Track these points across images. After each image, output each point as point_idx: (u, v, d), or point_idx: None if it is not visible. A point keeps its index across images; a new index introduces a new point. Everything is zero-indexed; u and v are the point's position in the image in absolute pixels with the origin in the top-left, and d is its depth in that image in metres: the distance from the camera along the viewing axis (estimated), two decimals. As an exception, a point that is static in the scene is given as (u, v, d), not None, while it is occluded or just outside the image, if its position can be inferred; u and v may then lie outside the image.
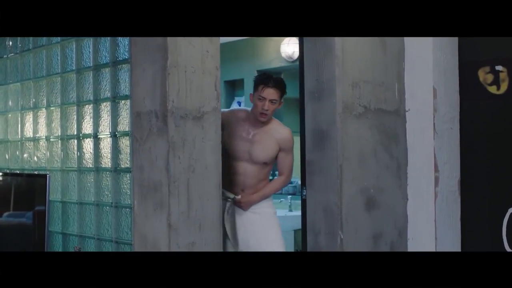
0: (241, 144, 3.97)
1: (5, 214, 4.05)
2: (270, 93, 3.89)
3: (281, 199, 6.58)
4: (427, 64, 4.19)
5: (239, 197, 4.02)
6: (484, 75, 4.22)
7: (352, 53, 3.97)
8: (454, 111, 4.28)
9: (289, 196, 6.46)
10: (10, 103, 4.59)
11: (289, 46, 6.84)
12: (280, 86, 3.94)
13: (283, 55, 6.94)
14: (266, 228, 4.04)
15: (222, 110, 3.78)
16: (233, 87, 7.81)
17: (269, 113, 3.92)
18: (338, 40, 3.89)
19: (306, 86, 4.00)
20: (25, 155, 4.42)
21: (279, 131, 4.03)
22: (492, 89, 4.19)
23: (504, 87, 4.14)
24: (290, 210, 6.37)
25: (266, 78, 3.93)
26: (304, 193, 3.96)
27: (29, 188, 3.89)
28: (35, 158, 4.30)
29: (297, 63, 4.26)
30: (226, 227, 3.97)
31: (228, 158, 3.89)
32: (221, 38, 3.37)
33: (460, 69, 4.31)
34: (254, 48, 7.33)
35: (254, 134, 3.99)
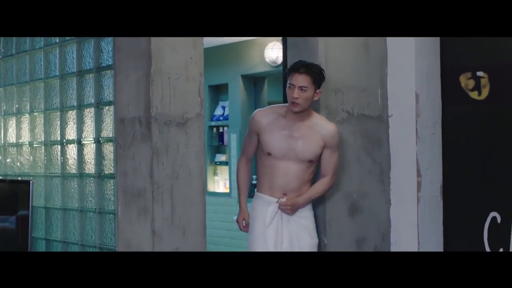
0: (283, 141, 3.56)
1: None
2: (298, 79, 3.46)
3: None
4: (409, 70, 4.23)
5: (284, 199, 3.55)
6: (465, 81, 4.26)
7: (335, 59, 4.00)
8: (436, 116, 4.31)
9: (273, 201, 6.46)
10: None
11: (273, 51, 6.86)
12: (311, 72, 3.49)
13: (267, 60, 6.96)
14: (312, 234, 3.66)
15: (259, 109, 3.76)
16: (217, 91, 7.81)
17: (300, 102, 3.46)
18: (321, 46, 3.92)
19: (290, 92, 4.02)
20: (8, 161, 4.40)
21: (323, 126, 3.62)
22: (474, 95, 4.23)
23: (485, 93, 4.18)
24: (274, 215, 6.37)
25: (297, 64, 3.54)
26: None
27: (12, 194, 3.87)
28: (18, 163, 4.29)
29: (281, 68, 4.28)
30: (267, 236, 3.52)
31: (268, 159, 3.59)
32: (204, 42, 3.38)
33: (442, 75, 4.34)
34: (238, 53, 7.34)
35: (296, 130, 3.56)
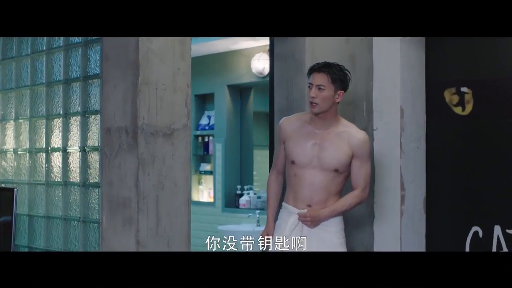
0: (308, 148, 3.34)
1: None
2: (316, 77, 3.29)
3: (249, 214, 6.60)
4: (395, 84, 4.27)
5: (304, 211, 3.31)
6: (450, 96, 4.31)
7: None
8: (421, 130, 4.35)
9: (257, 211, 6.48)
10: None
11: (260, 62, 6.89)
12: (330, 71, 3.31)
13: (254, 70, 6.99)
14: (337, 248, 3.35)
15: (286, 117, 3.54)
16: (203, 101, 7.83)
17: (318, 102, 3.27)
18: (308, 58, 3.94)
19: (276, 103, 4.05)
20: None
21: (351, 133, 3.38)
22: (458, 110, 4.28)
23: (469, 108, 4.23)
24: (258, 225, 6.39)
25: (318, 63, 3.39)
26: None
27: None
28: (2, 170, 4.26)
29: (268, 78, 4.29)
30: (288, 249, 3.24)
31: (293, 168, 3.38)
32: (191, 52, 3.38)
33: (427, 90, 4.39)
34: (225, 63, 7.37)
35: (321, 136, 3.35)
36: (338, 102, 3.36)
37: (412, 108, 4.30)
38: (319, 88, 3.28)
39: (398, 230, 4.16)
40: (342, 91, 3.34)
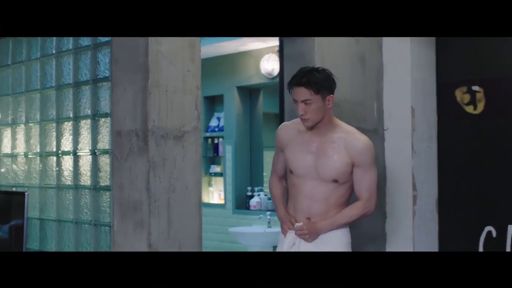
0: (305, 158, 3.14)
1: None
2: (299, 93, 3.06)
3: (260, 215, 6.58)
4: (405, 84, 4.24)
5: (300, 224, 3.13)
6: (461, 95, 4.28)
7: (332, 72, 4.00)
8: (432, 130, 4.33)
9: (268, 212, 6.47)
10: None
11: (269, 63, 6.87)
12: (310, 82, 3.04)
13: (263, 71, 6.97)
14: None
15: (284, 123, 3.39)
16: (212, 103, 7.82)
17: (309, 117, 3.06)
18: (317, 59, 3.93)
19: (286, 105, 4.03)
20: (2, 171, 4.38)
21: (349, 140, 3.12)
22: (469, 109, 4.25)
23: (480, 107, 4.20)
24: (269, 226, 6.38)
25: (295, 76, 3.12)
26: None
27: (6, 205, 3.86)
28: (13, 174, 4.27)
29: (277, 79, 4.27)
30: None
31: (292, 178, 3.21)
32: (200, 54, 3.37)
33: (437, 89, 4.37)
34: (234, 64, 7.35)
35: (318, 145, 3.13)
36: (331, 107, 3.12)
37: (423, 108, 4.27)
38: (305, 103, 3.04)
39: (410, 230, 4.13)
40: (331, 95, 3.10)
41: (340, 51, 4.06)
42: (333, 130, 3.15)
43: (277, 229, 4.29)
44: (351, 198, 3.21)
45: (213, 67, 7.22)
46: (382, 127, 4.29)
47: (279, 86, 4.20)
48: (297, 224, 3.14)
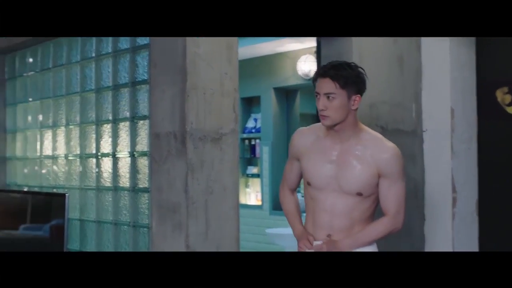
0: (324, 168, 2.78)
1: (22, 226, 4.10)
2: (322, 85, 2.71)
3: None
4: (444, 84, 4.19)
5: (319, 242, 2.77)
6: (502, 96, 4.21)
7: (369, 74, 3.92)
8: (472, 131, 4.27)
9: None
10: (29, 120, 4.63)
11: (306, 64, 6.86)
12: (338, 74, 2.69)
13: (300, 72, 6.96)
14: None
15: (300, 128, 3.02)
16: (249, 104, 7.83)
17: (329, 114, 2.69)
18: (355, 60, 3.89)
19: (324, 106, 4.01)
20: (43, 172, 4.46)
21: (375, 148, 2.74)
22: (510, 110, 4.18)
23: (522, 108, 4.13)
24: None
25: (322, 67, 2.81)
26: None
27: (47, 206, 3.92)
28: (54, 175, 4.34)
29: (314, 81, 4.25)
30: None
31: (309, 190, 2.86)
32: (238, 56, 3.38)
33: (478, 89, 4.30)
34: (271, 66, 7.36)
35: (339, 153, 2.76)
36: (356, 109, 2.76)
37: (462, 109, 4.21)
38: (328, 97, 2.69)
39: (450, 233, 4.08)
40: (358, 95, 2.73)
41: (378, 52, 4.03)
42: (357, 136, 2.78)
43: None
44: (376, 211, 2.86)
45: (250, 68, 7.23)
46: (420, 128, 4.24)
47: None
48: (316, 243, 2.78)
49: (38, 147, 4.51)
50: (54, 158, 4.34)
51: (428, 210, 4.20)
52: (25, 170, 4.65)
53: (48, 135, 4.41)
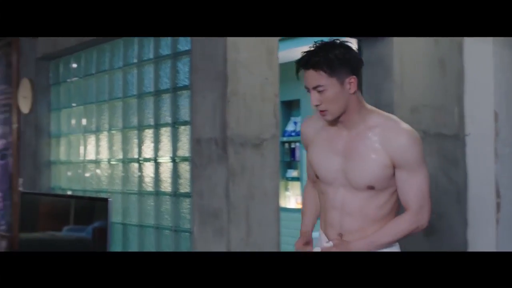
0: (330, 159, 2.44)
1: (65, 228, 4.16)
2: (307, 78, 2.37)
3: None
4: (488, 87, 4.13)
5: (329, 244, 2.44)
6: (547, 98, 4.13)
7: (411, 77, 3.94)
8: (516, 134, 4.20)
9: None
10: (73, 125, 4.72)
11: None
12: (320, 61, 2.31)
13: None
14: None
15: (308, 116, 2.69)
16: (289, 107, 7.82)
17: (327, 108, 2.35)
18: (396, 64, 3.88)
19: (364, 110, 3.99)
20: (86, 176, 4.53)
21: (387, 134, 2.34)
22: (556, 113, 4.10)
23: None
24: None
25: (302, 57, 2.41)
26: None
27: (90, 210, 3.97)
28: (97, 179, 4.41)
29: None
30: None
31: (319, 184, 2.54)
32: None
33: (522, 92, 4.23)
34: (310, 68, 7.33)
35: (346, 142, 2.41)
36: (355, 92, 2.36)
37: (507, 112, 4.15)
38: (318, 90, 2.35)
39: (494, 239, 4.01)
40: (352, 76, 2.34)
41: (419, 54, 3.99)
42: (364, 120, 2.39)
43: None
44: (399, 208, 2.47)
45: (290, 72, 7.19)
46: (463, 132, 4.19)
47: (356, 91, 4.16)
48: (326, 244, 2.46)
49: (82, 151, 4.58)
50: (97, 162, 4.41)
51: (471, 216, 4.14)
52: (69, 174, 4.73)
53: (91, 139, 4.48)
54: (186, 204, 3.56)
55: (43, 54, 4.83)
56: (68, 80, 4.77)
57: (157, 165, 3.81)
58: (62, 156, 4.83)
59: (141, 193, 3.94)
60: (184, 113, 3.59)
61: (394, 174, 2.36)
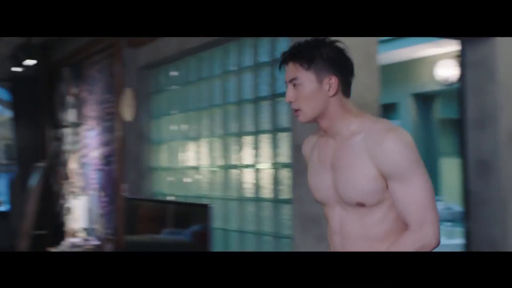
0: (321, 175, 2.16)
1: (165, 231, 4.26)
2: (286, 71, 2.12)
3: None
4: None
5: None
6: None
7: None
8: None
9: (448, 223, 6.23)
10: (173, 132, 4.84)
11: (444, 69, 6.65)
12: (298, 53, 2.08)
13: (438, 78, 6.76)
14: None
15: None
16: (385, 111, 7.71)
17: (299, 106, 2.08)
18: (501, 65, 3.75)
19: (468, 114, 3.88)
20: (187, 182, 4.63)
21: (370, 140, 2.01)
22: None
23: None
24: (449, 238, 6.13)
25: (283, 52, 2.14)
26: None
27: (191, 216, 4.05)
28: (197, 185, 4.49)
29: (453, 86, 4.11)
30: None
31: (324, 208, 2.24)
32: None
33: None
34: (407, 71, 7.21)
35: (333, 153, 2.11)
36: (334, 95, 2.06)
37: None
38: (294, 84, 2.08)
39: None
40: (333, 76, 2.05)
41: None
42: (347, 126, 2.08)
43: (457, 240, 4.12)
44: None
45: (386, 74, 7.10)
46: None
47: (458, 95, 4.05)
48: None
49: (182, 158, 4.69)
50: (197, 168, 4.50)
51: None
52: (170, 180, 4.86)
53: (191, 146, 4.58)
54: (286, 210, 3.57)
55: (145, 64, 4.98)
56: (168, 88, 4.89)
57: (257, 171, 3.85)
58: (163, 163, 4.96)
59: (241, 199, 3.99)
60: (284, 120, 3.61)
61: (387, 187, 2.02)
